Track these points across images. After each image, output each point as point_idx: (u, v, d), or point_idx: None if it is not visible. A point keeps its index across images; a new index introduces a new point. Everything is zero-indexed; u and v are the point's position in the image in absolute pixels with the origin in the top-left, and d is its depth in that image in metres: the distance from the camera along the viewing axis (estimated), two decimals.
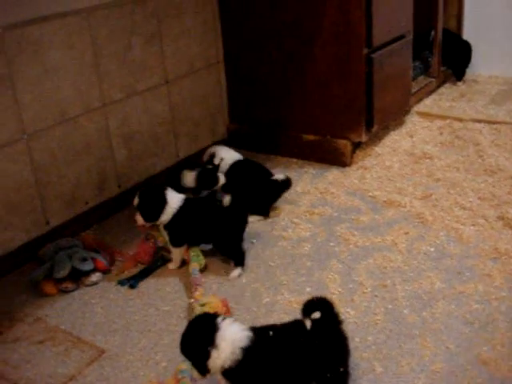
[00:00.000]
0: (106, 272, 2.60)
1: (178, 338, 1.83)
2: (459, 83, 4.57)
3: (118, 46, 2.97)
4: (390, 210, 2.92)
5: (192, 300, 2.32)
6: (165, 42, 3.21)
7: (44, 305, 2.45)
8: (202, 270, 2.54)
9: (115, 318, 2.34)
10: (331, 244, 2.70)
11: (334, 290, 2.39)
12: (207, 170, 2.93)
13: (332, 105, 3.33)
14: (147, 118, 3.19)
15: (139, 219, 2.53)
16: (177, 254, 2.59)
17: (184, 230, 2.54)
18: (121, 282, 2.54)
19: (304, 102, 3.42)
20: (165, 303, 2.40)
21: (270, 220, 2.92)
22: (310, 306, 1.80)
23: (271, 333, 1.78)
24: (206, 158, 3.10)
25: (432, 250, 2.61)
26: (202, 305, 2.26)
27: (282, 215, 2.95)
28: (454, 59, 4.52)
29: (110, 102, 2.98)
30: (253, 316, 2.26)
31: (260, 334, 1.78)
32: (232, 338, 1.74)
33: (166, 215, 2.50)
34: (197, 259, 2.52)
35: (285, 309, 2.29)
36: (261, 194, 2.93)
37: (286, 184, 2.95)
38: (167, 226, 2.53)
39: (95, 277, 2.56)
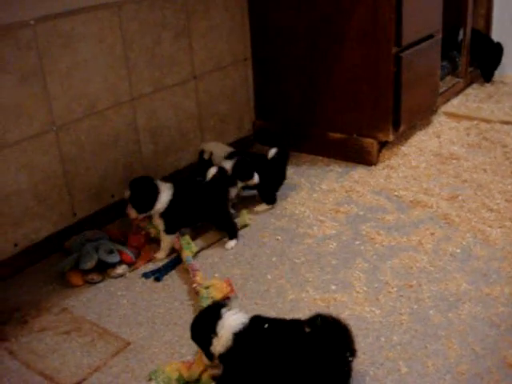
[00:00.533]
0: (131, 264, 2.61)
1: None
2: (487, 84, 4.53)
3: (148, 40, 2.98)
4: (416, 210, 2.90)
5: (195, 284, 2.37)
6: (193, 38, 3.22)
7: (70, 295, 2.47)
8: (194, 257, 2.59)
9: (141, 310, 2.36)
10: (357, 243, 2.69)
11: (359, 288, 2.38)
12: (244, 160, 2.89)
13: (359, 103, 3.32)
14: (174, 112, 3.20)
15: (132, 212, 2.58)
16: (168, 242, 2.65)
17: (179, 215, 2.62)
18: (146, 275, 2.56)
19: (331, 100, 3.41)
20: (189, 297, 2.41)
21: (294, 217, 2.92)
22: (318, 322, 1.80)
23: (266, 325, 1.84)
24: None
25: (458, 251, 2.59)
26: (207, 287, 2.32)
27: (307, 212, 2.95)
28: (483, 60, 4.48)
29: (139, 96, 2.99)
30: (278, 312, 2.26)
31: (257, 323, 1.85)
32: (229, 325, 1.83)
33: (161, 204, 2.57)
34: (188, 247, 2.57)
35: (310, 306, 2.29)
36: (262, 179, 2.92)
37: (279, 158, 2.96)
38: (163, 214, 2.59)
39: (121, 269, 2.57)
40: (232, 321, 1.85)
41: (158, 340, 2.19)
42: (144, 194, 2.56)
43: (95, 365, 2.11)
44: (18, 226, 2.62)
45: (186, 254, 2.54)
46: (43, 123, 2.63)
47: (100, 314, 2.36)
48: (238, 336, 1.82)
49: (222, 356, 1.84)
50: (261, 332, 1.83)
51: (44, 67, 2.58)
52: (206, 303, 2.23)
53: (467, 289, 2.36)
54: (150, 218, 2.66)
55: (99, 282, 2.54)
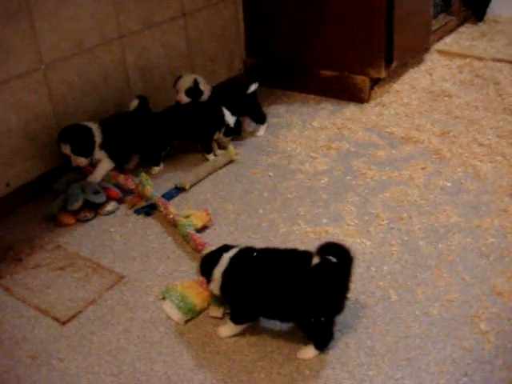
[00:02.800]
0: (120, 200, 2.63)
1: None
2: (480, 23, 4.47)
3: None
4: (408, 146, 2.91)
5: (171, 215, 2.42)
6: None
7: (63, 233, 2.49)
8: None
9: (134, 245, 2.38)
10: (348, 178, 2.70)
11: (350, 221, 2.41)
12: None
13: (351, 40, 3.28)
14: (164, 50, 3.16)
15: (81, 160, 2.61)
16: (106, 167, 2.71)
17: (118, 142, 2.74)
18: (137, 211, 2.58)
19: (323, 37, 3.36)
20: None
21: (286, 154, 2.92)
22: (328, 249, 1.80)
23: (255, 254, 1.88)
24: (188, 84, 2.98)
25: (449, 185, 2.61)
26: (187, 216, 2.39)
27: (298, 149, 2.95)
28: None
29: (127, 34, 2.95)
30: (270, 246, 2.28)
31: (245, 255, 1.90)
32: (220, 267, 1.88)
33: (98, 138, 2.65)
34: (148, 183, 2.60)
35: (301, 238, 2.31)
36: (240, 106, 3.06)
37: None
38: (103, 146, 2.67)
39: (110, 206, 2.59)
40: (223, 262, 1.89)
41: (152, 273, 2.22)
42: (82, 139, 2.60)
43: (90, 298, 2.14)
44: (9, 165, 2.61)
45: (149, 190, 2.57)
46: (31, 61, 2.59)
47: (93, 249, 2.38)
48: (227, 273, 1.87)
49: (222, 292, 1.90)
50: (249, 262, 1.87)
51: (30, 4, 2.53)
52: (188, 231, 2.30)
53: (457, 221, 2.38)
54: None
55: (92, 218, 2.55)
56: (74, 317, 2.06)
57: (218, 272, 1.88)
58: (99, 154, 2.67)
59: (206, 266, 1.93)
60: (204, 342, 1.92)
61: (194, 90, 2.96)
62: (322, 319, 1.79)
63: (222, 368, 1.82)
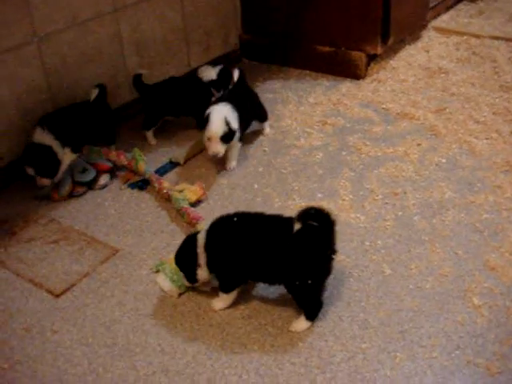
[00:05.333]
0: (112, 172, 2.62)
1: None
2: (477, 1, 4.44)
3: None
4: (403, 122, 2.90)
5: (165, 190, 2.42)
6: None
7: (57, 207, 2.48)
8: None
9: (128, 219, 2.38)
10: (343, 153, 2.70)
11: (344, 196, 2.41)
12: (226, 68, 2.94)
13: (348, 15, 3.25)
14: (159, 24, 3.12)
15: (45, 181, 2.48)
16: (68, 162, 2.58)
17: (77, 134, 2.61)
18: (131, 185, 2.58)
19: (319, 12, 3.33)
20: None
21: (281, 130, 2.91)
22: (308, 214, 1.79)
23: (235, 219, 1.88)
24: (221, 130, 2.52)
25: (444, 161, 2.60)
26: (181, 191, 2.39)
27: (294, 125, 2.94)
28: None
29: (122, 7, 2.91)
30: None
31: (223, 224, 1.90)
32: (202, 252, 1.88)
33: (66, 163, 2.52)
34: (141, 158, 2.58)
35: (295, 213, 2.30)
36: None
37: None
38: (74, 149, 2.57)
39: (103, 179, 2.59)
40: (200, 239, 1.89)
41: (146, 247, 2.23)
42: (46, 161, 2.46)
43: (84, 271, 2.14)
44: (2, 139, 2.60)
45: (143, 166, 2.56)
46: (24, 34, 2.57)
47: (88, 223, 2.37)
48: (208, 248, 1.87)
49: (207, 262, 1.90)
50: (228, 229, 1.88)
51: None
52: (182, 205, 2.31)
53: (452, 196, 2.38)
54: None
55: (84, 193, 2.55)
56: (67, 290, 2.07)
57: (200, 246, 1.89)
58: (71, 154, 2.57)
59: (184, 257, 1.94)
60: (197, 314, 1.93)
61: (229, 133, 2.53)
62: (309, 282, 1.79)
63: (216, 340, 1.84)
